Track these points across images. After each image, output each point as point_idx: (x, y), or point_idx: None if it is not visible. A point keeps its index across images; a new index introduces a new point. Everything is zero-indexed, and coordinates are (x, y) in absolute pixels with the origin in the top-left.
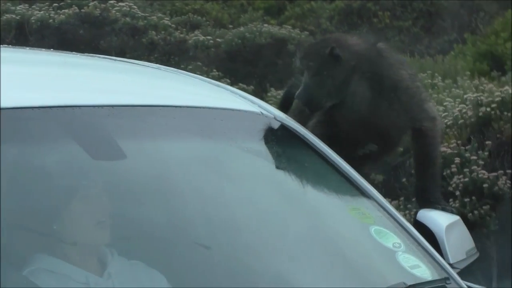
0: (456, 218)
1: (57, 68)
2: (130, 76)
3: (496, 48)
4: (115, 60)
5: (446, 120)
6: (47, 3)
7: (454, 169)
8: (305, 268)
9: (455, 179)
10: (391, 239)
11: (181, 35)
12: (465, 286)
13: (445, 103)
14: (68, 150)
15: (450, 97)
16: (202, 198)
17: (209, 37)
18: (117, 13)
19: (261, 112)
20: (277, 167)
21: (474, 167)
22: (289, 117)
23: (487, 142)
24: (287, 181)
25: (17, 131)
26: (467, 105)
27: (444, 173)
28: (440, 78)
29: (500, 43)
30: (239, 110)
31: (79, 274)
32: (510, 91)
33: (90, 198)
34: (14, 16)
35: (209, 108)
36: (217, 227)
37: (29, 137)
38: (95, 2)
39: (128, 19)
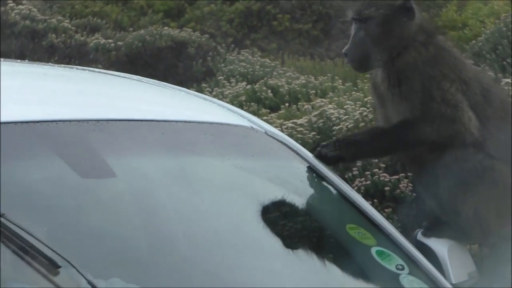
0: None
1: (37, 81)
2: (114, 89)
3: None
4: (94, 71)
5: (347, 123)
6: None
7: (356, 172)
8: None
9: (356, 182)
10: (394, 261)
11: (81, 38)
12: None
13: (345, 106)
14: (53, 166)
15: (350, 100)
16: (189, 215)
17: (109, 40)
18: (17, 16)
19: (252, 126)
20: (270, 182)
21: (376, 170)
22: (279, 131)
23: None
24: (280, 196)
25: None
26: (368, 108)
27: (346, 176)
28: (340, 81)
29: None
30: (229, 125)
31: None
32: None
33: (73, 217)
34: None
35: (198, 122)
36: (202, 243)
37: (12, 153)
38: None
39: (27, 22)
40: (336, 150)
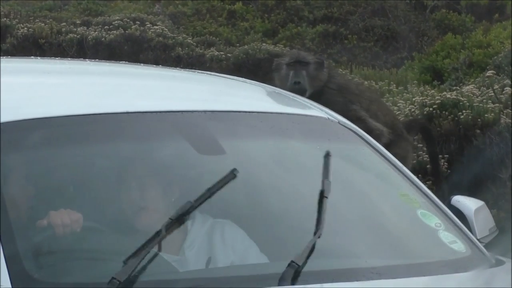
0: (482, 203)
1: (166, 81)
2: (224, 88)
3: (437, 64)
4: (210, 74)
5: (400, 117)
6: (100, 26)
7: None
8: (362, 243)
9: None
10: (433, 220)
11: (200, 51)
12: (490, 256)
13: (398, 104)
14: (179, 146)
15: (402, 100)
16: (279, 182)
17: (221, 53)
18: (152, 34)
19: (328, 117)
20: (341, 160)
21: (421, 152)
22: (349, 121)
23: None
24: (349, 173)
25: (138, 131)
26: (415, 106)
27: None
28: (394, 85)
29: (439, 60)
30: (311, 116)
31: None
32: (447, 96)
33: (193, 183)
34: (75, 35)
35: (288, 114)
36: (290, 203)
37: (147, 135)
38: (135, 25)
39: (160, 38)
40: None
